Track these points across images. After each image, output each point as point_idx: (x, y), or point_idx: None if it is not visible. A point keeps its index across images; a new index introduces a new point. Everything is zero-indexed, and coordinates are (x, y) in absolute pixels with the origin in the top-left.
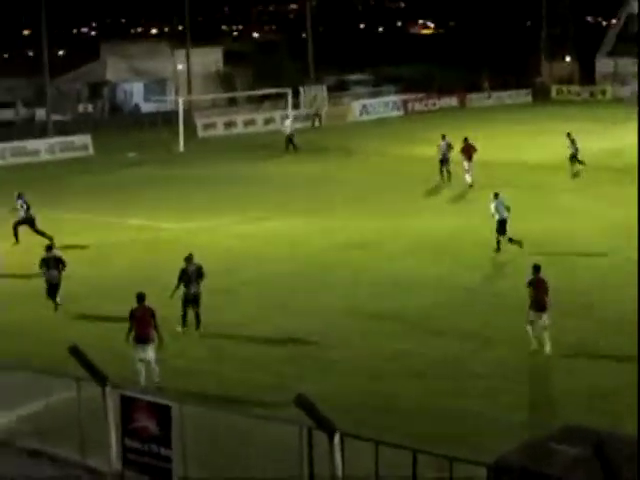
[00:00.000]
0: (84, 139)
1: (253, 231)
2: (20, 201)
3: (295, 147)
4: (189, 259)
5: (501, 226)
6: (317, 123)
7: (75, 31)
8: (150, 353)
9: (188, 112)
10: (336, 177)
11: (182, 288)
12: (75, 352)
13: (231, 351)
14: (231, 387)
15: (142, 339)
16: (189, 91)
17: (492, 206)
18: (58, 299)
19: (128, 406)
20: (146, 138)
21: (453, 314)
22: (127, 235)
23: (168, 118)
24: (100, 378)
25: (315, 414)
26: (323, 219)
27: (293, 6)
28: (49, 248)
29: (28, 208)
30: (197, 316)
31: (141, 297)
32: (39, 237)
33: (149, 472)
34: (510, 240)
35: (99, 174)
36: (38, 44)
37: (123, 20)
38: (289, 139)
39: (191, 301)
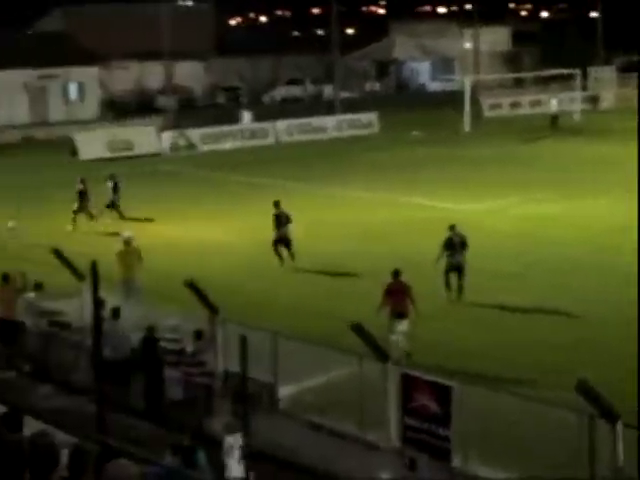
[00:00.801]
0: (370, 117)
1: (535, 213)
2: (110, 183)
3: (556, 127)
4: (453, 228)
5: None
6: (598, 105)
7: (364, 9)
8: (404, 326)
9: (474, 92)
10: (619, 159)
11: (445, 257)
12: (358, 329)
13: (514, 334)
14: (507, 369)
15: (398, 313)
16: (476, 71)
17: None
18: None
19: (409, 384)
20: (431, 117)
21: None
22: (408, 214)
23: (453, 97)
24: (382, 355)
25: (597, 401)
26: (606, 201)
27: None
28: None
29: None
30: (460, 286)
31: (397, 273)
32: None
33: (428, 450)
34: None
35: (383, 151)
36: (328, 23)
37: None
38: (554, 119)
39: (455, 269)
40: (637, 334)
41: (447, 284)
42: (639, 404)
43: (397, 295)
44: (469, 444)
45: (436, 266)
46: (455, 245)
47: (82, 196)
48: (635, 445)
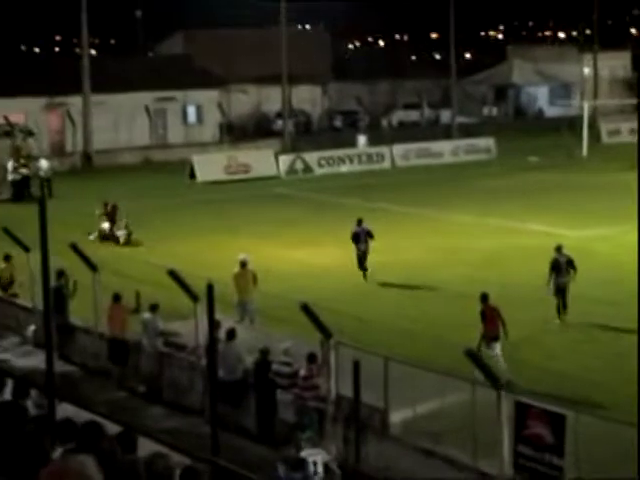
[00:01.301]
0: (487, 142)
1: None
2: None
3: None
4: (559, 249)
5: None
6: None
7: (483, 34)
8: (497, 350)
9: (592, 117)
10: None
11: (553, 279)
12: (472, 356)
13: (625, 364)
14: (627, 402)
15: (491, 337)
16: (595, 96)
17: None
18: None
19: (523, 412)
20: (548, 142)
21: None
22: (522, 240)
23: (571, 123)
24: (495, 383)
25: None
26: None
27: None
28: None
29: None
30: (564, 305)
31: (485, 297)
32: None
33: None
34: None
35: (500, 177)
36: (446, 47)
37: (530, 23)
38: None
39: (560, 290)
40: (637, 334)
41: (558, 307)
42: (639, 404)
43: (490, 319)
44: (583, 474)
45: (548, 289)
46: (561, 266)
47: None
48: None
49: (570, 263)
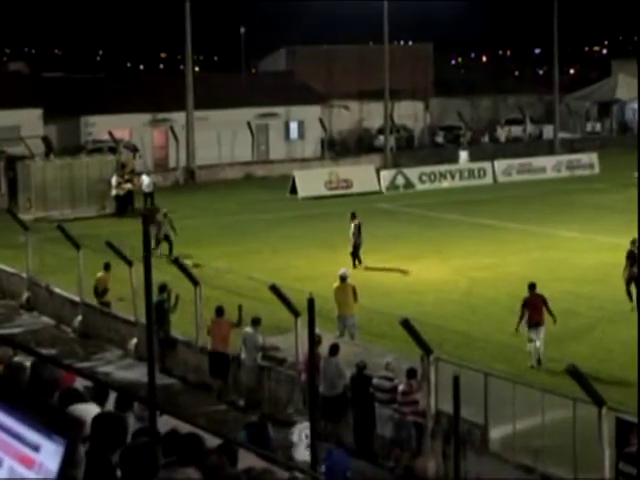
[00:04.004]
0: (591, 157)
1: None
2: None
3: None
4: (634, 242)
5: None
6: None
7: (587, 49)
8: (541, 334)
9: None
10: None
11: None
12: (574, 373)
13: None
14: None
15: (535, 323)
16: None
17: None
18: None
19: (624, 430)
20: None
21: None
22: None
23: None
24: (598, 400)
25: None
26: None
27: None
28: None
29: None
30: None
31: (532, 286)
32: None
33: None
34: None
35: (603, 193)
36: (550, 62)
37: (635, 38)
38: None
39: (632, 279)
40: (637, 335)
41: (629, 293)
42: (639, 402)
43: (534, 307)
44: None
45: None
46: (635, 256)
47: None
48: None
49: None
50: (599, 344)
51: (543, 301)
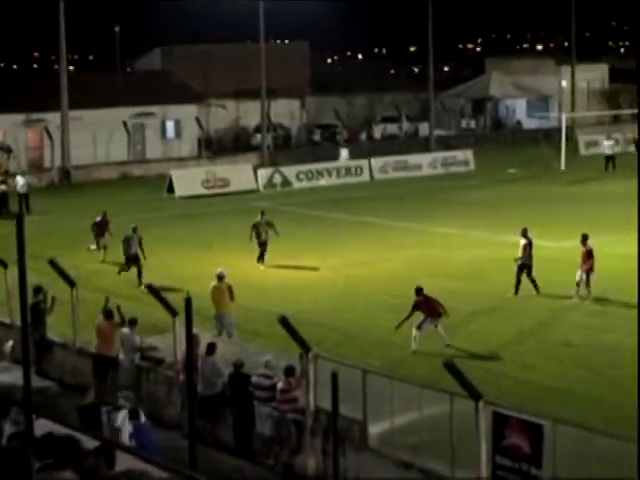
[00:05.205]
0: (466, 154)
1: (631, 251)
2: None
3: (614, 167)
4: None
5: None
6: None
7: (461, 47)
8: (441, 323)
9: (571, 129)
10: None
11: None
12: (451, 368)
13: (607, 374)
14: (604, 410)
15: (436, 315)
16: (572, 108)
17: None
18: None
19: (501, 423)
20: (526, 155)
21: None
22: (502, 251)
23: (549, 135)
24: (474, 394)
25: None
26: None
27: None
28: None
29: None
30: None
31: (419, 290)
32: None
33: None
34: None
35: (478, 189)
36: (425, 60)
37: (509, 36)
38: (608, 159)
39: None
40: (637, 335)
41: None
42: (639, 404)
43: (429, 306)
44: None
45: None
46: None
47: (99, 228)
48: None
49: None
50: (476, 338)
51: (433, 300)
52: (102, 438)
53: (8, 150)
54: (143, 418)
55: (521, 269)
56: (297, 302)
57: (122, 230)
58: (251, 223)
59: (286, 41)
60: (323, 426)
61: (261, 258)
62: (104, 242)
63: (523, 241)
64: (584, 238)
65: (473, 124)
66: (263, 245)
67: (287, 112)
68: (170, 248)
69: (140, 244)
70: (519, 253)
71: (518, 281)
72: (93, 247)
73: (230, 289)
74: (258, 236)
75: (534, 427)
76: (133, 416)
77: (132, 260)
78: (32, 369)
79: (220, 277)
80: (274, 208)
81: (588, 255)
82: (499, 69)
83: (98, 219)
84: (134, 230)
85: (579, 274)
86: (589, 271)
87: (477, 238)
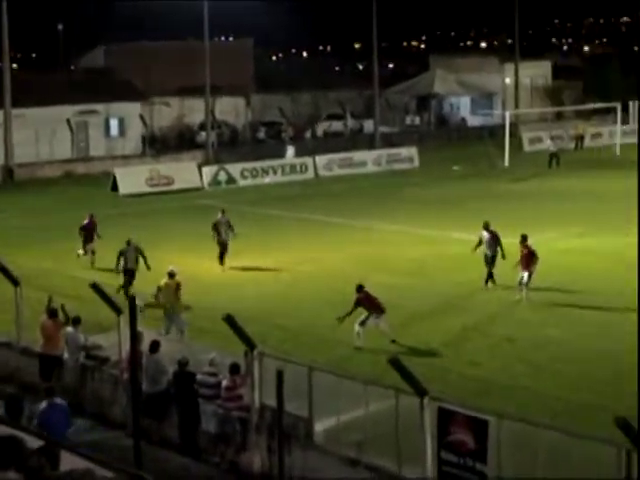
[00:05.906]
0: (410, 151)
1: (575, 247)
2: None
3: (558, 164)
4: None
5: None
6: (580, 144)
7: (405, 44)
8: (384, 319)
9: (515, 126)
10: None
11: None
12: (396, 364)
13: (550, 369)
14: (548, 404)
15: (379, 311)
16: (516, 105)
17: None
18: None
19: (446, 419)
20: (471, 152)
21: None
22: (446, 248)
23: (494, 132)
24: (420, 390)
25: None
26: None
27: (625, 19)
28: None
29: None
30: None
31: (360, 287)
32: None
33: None
34: None
35: (423, 186)
36: (369, 57)
37: (453, 33)
38: (552, 156)
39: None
40: (637, 336)
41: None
42: (639, 404)
43: (369, 301)
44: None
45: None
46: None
47: (87, 232)
48: None
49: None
50: (421, 335)
51: (372, 297)
52: (46, 438)
53: None
54: (59, 400)
55: (492, 260)
56: (241, 299)
57: (69, 226)
58: (211, 222)
59: (230, 38)
60: (268, 423)
61: (221, 259)
62: (92, 247)
63: (486, 234)
64: (523, 238)
65: (417, 121)
66: (223, 245)
67: (232, 109)
68: (115, 246)
69: (142, 253)
70: (484, 246)
71: (490, 273)
72: (81, 252)
73: (178, 286)
74: (218, 235)
75: (479, 423)
76: (49, 393)
77: (128, 274)
78: None
79: (172, 275)
80: (218, 206)
81: (530, 256)
82: (443, 66)
83: (85, 222)
84: (128, 243)
85: (521, 274)
86: (531, 272)
87: (421, 235)
